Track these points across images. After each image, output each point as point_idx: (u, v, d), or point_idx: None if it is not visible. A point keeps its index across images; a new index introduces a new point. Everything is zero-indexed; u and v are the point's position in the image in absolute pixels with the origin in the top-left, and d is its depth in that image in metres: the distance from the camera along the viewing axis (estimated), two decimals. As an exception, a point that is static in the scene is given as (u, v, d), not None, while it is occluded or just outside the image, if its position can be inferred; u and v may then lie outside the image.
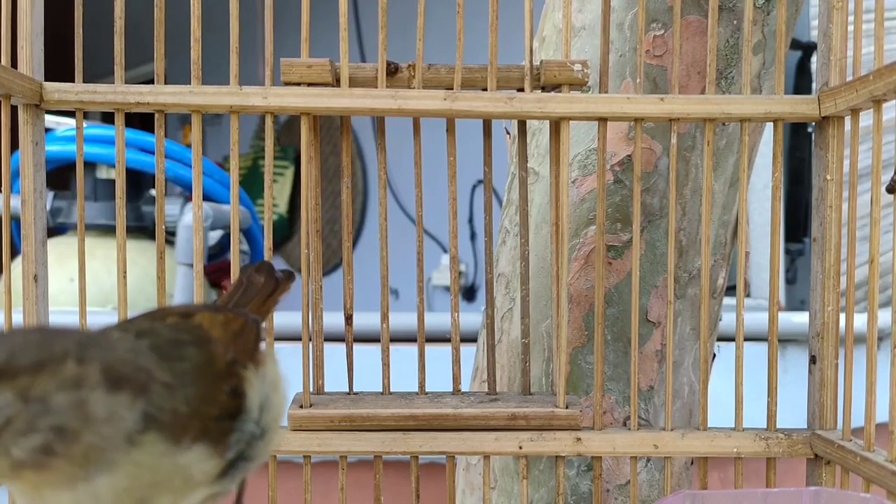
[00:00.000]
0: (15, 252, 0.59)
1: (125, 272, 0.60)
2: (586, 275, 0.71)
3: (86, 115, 0.61)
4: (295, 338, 0.69)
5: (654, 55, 0.70)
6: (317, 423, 0.60)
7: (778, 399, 0.62)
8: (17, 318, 0.57)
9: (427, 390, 0.65)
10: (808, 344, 0.63)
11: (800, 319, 1.24)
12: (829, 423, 0.62)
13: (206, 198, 1.57)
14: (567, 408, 0.61)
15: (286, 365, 0.67)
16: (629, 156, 0.70)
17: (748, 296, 1.56)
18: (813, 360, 0.62)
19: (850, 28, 0.60)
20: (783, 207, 1.81)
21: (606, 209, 0.70)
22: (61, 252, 1.46)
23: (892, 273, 0.53)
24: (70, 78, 0.59)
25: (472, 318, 1.01)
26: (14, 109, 0.57)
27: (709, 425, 0.63)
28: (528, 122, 0.67)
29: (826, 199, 0.61)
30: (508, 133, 0.78)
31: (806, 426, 0.63)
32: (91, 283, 0.54)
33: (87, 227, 0.62)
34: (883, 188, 0.54)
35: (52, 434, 0.33)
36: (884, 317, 0.57)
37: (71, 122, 1.55)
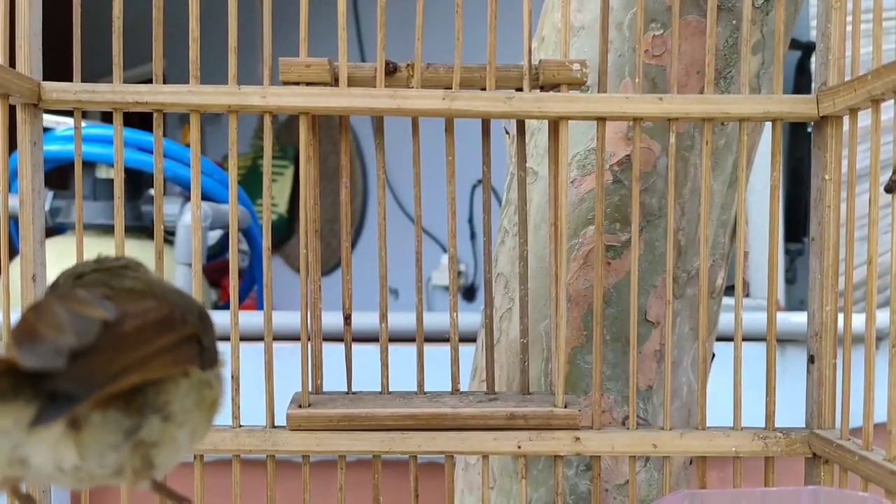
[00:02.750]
0: (13, 252, 0.59)
1: (124, 272, 0.59)
2: (585, 275, 0.71)
3: (85, 115, 0.60)
4: (294, 337, 0.69)
5: (653, 55, 0.70)
6: (315, 423, 0.60)
7: (778, 399, 0.62)
8: (16, 319, 0.57)
9: (426, 390, 0.65)
10: (807, 343, 0.63)
11: (799, 319, 1.23)
12: (828, 422, 0.62)
13: (206, 197, 1.57)
14: (566, 407, 0.61)
15: (285, 365, 0.67)
16: (628, 155, 0.70)
17: (747, 296, 1.56)
18: (811, 359, 0.62)
19: (849, 28, 0.60)
20: (783, 207, 1.81)
21: (605, 209, 0.70)
22: (61, 252, 1.46)
23: (890, 273, 0.53)
24: (68, 77, 0.59)
25: (472, 317, 1.01)
26: (12, 109, 0.57)
27: (708, 425, 0.63)
28: (526, 121, 0.67)
29: (824, 199, 0.61)
30: (508, 133, 0.78)
31: (804, 425, 0.63)
32: (90, 282, 0.54)
33: (86, 227, 0.62)
34: (881, 188, 0.54)
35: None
36: (882, 317, 0.57)
37: (70, 121, 1.55)
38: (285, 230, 3.37)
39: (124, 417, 0.37)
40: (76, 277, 0.43)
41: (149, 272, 0.45)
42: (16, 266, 0.58)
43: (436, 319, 1.06)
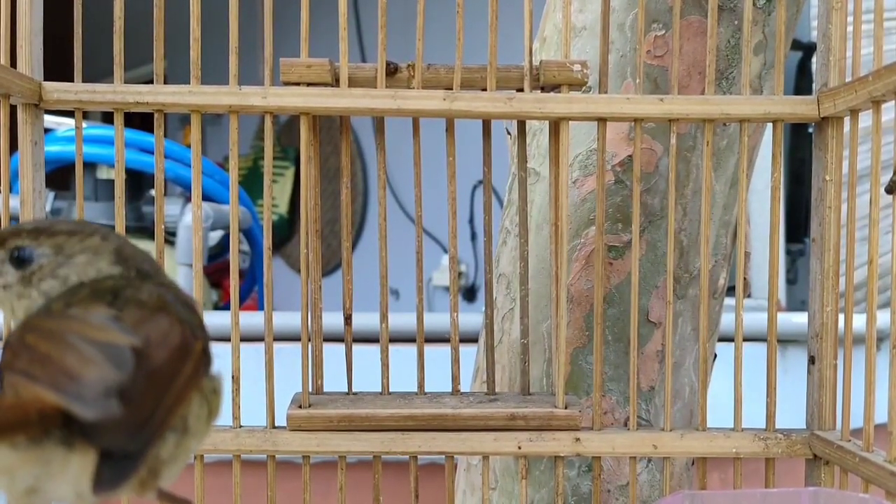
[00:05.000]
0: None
1: (124, 272, 0.59)
2: (587, 275, 0.71)
3: (86, 116, 0.61)
4: (294, 338, 0.69)
5: (654, 55, 0.70)
6: (316, 424, 0.60)
7: (779, 399, 0.62)
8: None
9: (426, 391, 0.65)
10: (807, 344, 0.63)
11: (800, 320, 1.23)
12: (828, 423, 0.62)
13: (207, 198, 1.57)
14: (566, 408, 0.61)
15: (285, 365, 0.67)
16: (630, 156, 0.70)
17: (749, 296, 1.56)
18: (812, 360, 0.62)
19: (850, 29, 0.60)
20: (784, 208, 1.81)
21: (607, 209, 0.70)
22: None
23: (890, 274, 0.53)
24: (69, 78, 0.59)
25: (472, 318, 1.01)
26: (13, 109, 0.57)
27: (710, 425, 0.63)
28: (528, 122, 0.67)
29: (825, 200, 0.61)
30: (509, 133, 0.78)
31: (805, 426, 0.63)
32: (90, 283, 0.54)
33: (86, 227, 0.62)
34: (882, 189, 0.54)
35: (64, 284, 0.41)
36: (883, 317, 0.57)
37: (71, 122, 1.55)
38: (286, 231, 3.37)
39: (162, 446, 0.36)
40: (77, 286, 0.41)
41: (141, 261, 0.43)
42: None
43: (436, 320, 1.06)
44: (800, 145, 1.93)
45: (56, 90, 0.58)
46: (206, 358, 0.40)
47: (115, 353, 0.34)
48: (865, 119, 0.57)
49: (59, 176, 1.50)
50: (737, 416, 0.62)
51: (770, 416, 0.62)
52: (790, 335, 1.24)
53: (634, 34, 0.70)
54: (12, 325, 0.42)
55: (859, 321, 0.60)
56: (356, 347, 0.65)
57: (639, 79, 0.62)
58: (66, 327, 0.36)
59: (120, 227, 0.60)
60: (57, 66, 0.68)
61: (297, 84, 0.59)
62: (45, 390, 0.33)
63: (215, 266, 1.97)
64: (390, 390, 0.65)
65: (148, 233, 1.63)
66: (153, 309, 0.39)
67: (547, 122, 0.65)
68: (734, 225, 0.74)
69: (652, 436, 0.62)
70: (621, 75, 0.71)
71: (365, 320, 0.84)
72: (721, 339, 0.78)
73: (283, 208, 3.40)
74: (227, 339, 0.61)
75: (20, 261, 0.41)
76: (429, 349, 0.64)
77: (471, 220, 2.78)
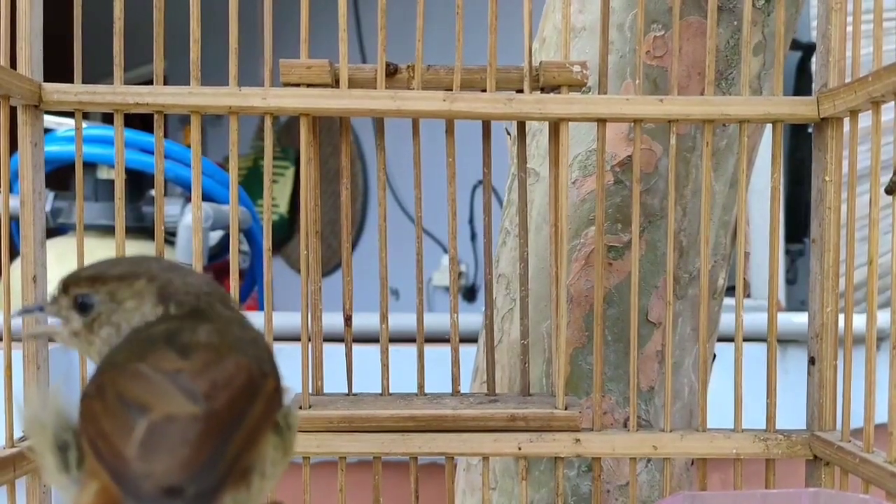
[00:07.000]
0: (14, 253, 0.59)
1: (124, 273, 0.59)
2: (587, 275, 0.71)
3: (87, 116, 0.60)
4: (294, 338, 0.69)
5: (654, 56, 0.70)
6: (316, 425, 0.60)
7: (779, 400, 0.62)
8: (16, 320, 0.57)
9: (426, 391, 0.65)
10: (807, 345, 0.63)
11: (800, 320, 1.23)
12: (829, 424, 0.62)
13: (207, 198, 1.57)
14: (566, 409, 0.61)
15: (285, 365, 0.67)
16: (629, 156, 0.70)
17: (748, 296, 1.56)
18: (812, 360, 0.62)
19: (849, 29, 0.60)
20: (784, 208, 1.81)
21: (607, 210, 0.70)
22: (62, 253, 1.45)
23: (890, 274, 0.53)
24: (69, 79, 0.59)
25: (473, 318, 1.01)
26: (13, 110, 0.57)
27: (710, 426, 0.63)
28: (527, 123, 0.67)
29: (825, 200, 0.61)
30: (509, 133, 0.78)
31: (805, 427, 0.63)
32: (91, 283, 0.54)
33: (87, 228, 0.62)
34: (882, 189, 0.54)
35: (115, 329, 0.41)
36: (883, 318, 0.57)
37: (72, 122, 1.55)
38: (286, 231, 3.37)
39: (240, 492, 0.36)
40: (147, 325, 0.40)
41: (216, 304, 0.42)
42: (16, 267, 0.58)
43: (436, 320, 1.06)
44: (800, 146, 1.93)
45: (56, 91, 0.58)
46: (277, 395, 0.39)
47: (178, 438, 0.34)
48: (865, 119, 0.57)
49: (59, 176, 1.50)
50: (737, 416, 0.62)
51: (770, 417, 0.62)
52: (790, 335, 1.24)
53: (634, 35, 0.70)
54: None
55: (859, 321, 0.60)
56: (356, 348, 0.65)
57: (638, 79, 0.62)
58: (132, 394, 0.36)
59: (120, 227, 0.60)
60: (57, 67, 0.68)
61: (297, 85, 0.59)
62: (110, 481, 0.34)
63: (215, 266, 1.97)
64: (390, 391, 0.65)
65: (148, 233, 1.63)
66: (217, 348, 0.38)
67: (547, 123, 0.65)
68: (734, 225, 0.74)
69: (652, 436, 0.62)
70: (621, 76, 0.71)
71: (365, 320, 0.84)
72: (721, 340, 0.78)
73: (283, 208, 3.40)
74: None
75: (83, 307, 0.42)
76: (429, 350, 0.64)
77: (471, 221, 2.78)
